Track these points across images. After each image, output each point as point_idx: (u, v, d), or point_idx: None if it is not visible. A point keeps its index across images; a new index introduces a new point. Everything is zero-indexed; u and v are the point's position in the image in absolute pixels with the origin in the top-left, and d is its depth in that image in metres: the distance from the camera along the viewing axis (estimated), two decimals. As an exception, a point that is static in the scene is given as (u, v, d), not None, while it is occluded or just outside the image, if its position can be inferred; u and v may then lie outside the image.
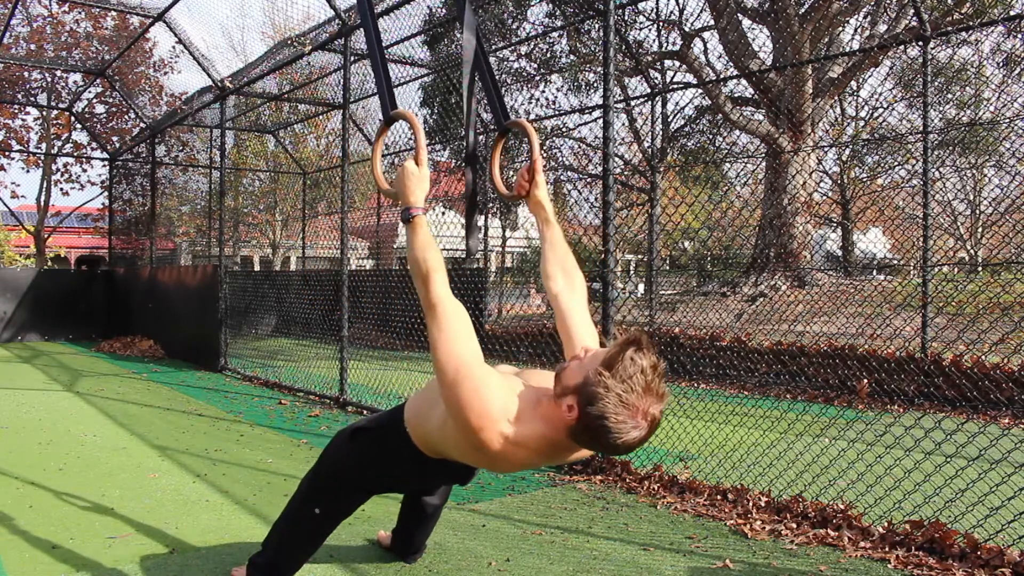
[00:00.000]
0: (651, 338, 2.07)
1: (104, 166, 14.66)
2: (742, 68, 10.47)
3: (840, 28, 10.96)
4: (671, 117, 11.32)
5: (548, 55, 12.08)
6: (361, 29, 6.29)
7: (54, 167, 18.73)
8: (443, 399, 1.87)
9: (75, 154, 18.15)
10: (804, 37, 10.11)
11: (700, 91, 10.54)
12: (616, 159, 9.10)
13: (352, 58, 6.40)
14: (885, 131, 13.83)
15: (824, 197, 15.43)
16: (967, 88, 12.05)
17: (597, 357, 1.79)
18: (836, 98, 12.33)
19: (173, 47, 20.41)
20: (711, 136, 12.70)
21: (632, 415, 1.73)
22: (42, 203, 19.09)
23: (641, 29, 11.73)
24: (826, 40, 10.87)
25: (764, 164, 11.26)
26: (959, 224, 15.11)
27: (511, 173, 10.73)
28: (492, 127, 9.66)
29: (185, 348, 9.27)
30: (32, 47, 16.38)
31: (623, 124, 11.19)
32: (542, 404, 1.88)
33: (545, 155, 12.57)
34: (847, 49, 11.01)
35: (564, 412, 1.81)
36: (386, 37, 7.02)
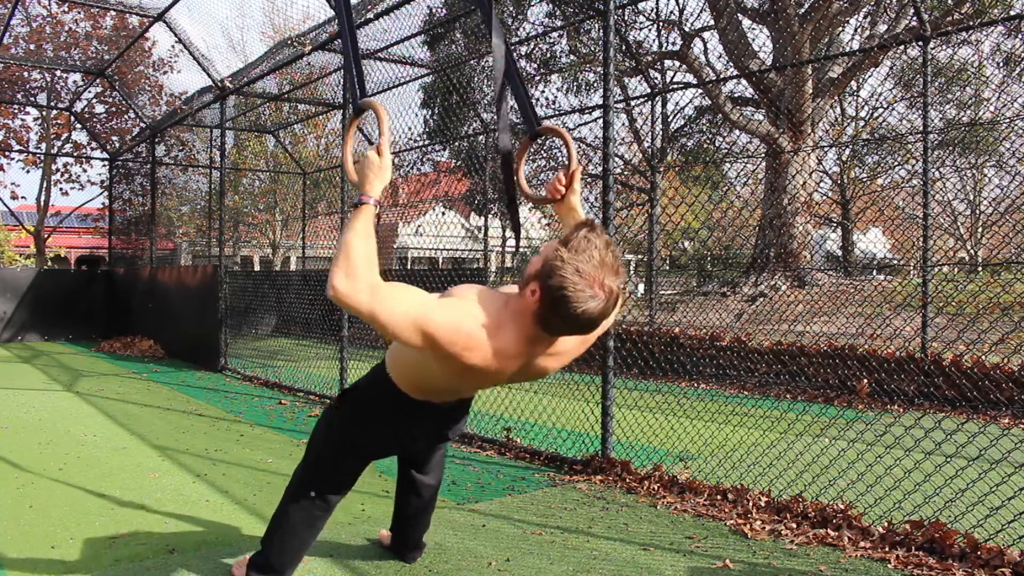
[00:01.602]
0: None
1: (104, 166, 14.67)
2: (742, 68, 10.47)
3: (840, 28, 10.97)
4: (671, 117, 11.32)
5: (548, 55, 12.08)
6: (361, 29, 6.29)
7: (54, 167, 18.73)
8: (424, 354, 1.95)
9: (75, 154, 18.15)
10: (804, 37, 10.12)
11: (700, 91, 10.54)
12: (616, 159, 9.10)
13: (352, 58, 6.39)
14: (885, 131, 13.83)
15: (824, 197, 15.43)
16: (967, 88, 12.05)
17: (554, 242, 1.92)
18: (836, 98, 12.33)
19: (172, 46, 20.43)
20: (711, 136, 12.70)
21: (589, 284, 1.84)
22: (42, 203, 19.10)
23: (641, 29, 11.73)
24: (826, 40, 10.87)
25: (764, 164, 11.27)
26: (959, 224, 15.11)
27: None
28: (493, 127, 9.66)
29: (185, 348, 9.27)
30: (31, 47, 16.39)
31: (623, 124, 11.20)
32: (510, 303, 2.00)
33: (545, 155, 12.59)
34: (847, 49, 11.01)
35: (529, 298, 1.92)
36: (386, 37, 7.02)
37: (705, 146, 12.54)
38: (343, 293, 1.82)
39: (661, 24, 11.50)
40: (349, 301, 1.83)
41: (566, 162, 2.36)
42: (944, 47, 11.59)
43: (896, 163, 13.98)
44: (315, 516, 2.43)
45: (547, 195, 2.36)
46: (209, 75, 8.15)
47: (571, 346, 2.12)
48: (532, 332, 1.97)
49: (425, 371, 2.12)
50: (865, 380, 6.24)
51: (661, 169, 9.86)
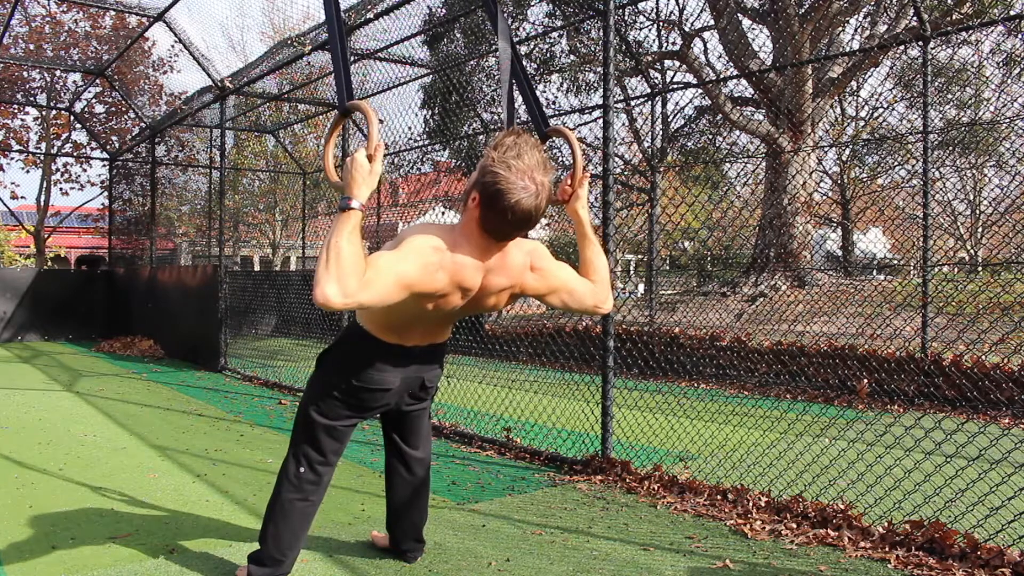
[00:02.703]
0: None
1: (104, 166, 14.66)
2: (742, 68, 10.46)
3: (840, 28, 10.96)
4: (671, 117, 11.32)
5: (548, 55, 12.08)
6: (360, 29, 6.29)
7: (54, 167, 18.73)
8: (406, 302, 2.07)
9: (75, 154, 18.15)
10: (804, 37, 10.11)
11: (700, 91, 10.54)
12: (616, 159, 9.10)
13: (352, 58, 6.40)
14: (885, 131, 13.83)
15: (824, 197, 15.43)
16: (967, 88, 12.05)
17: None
18: (836, 98, 12.33)
19: (172, 46, 20.43)
20: (711, 136, 12.69)
21: (520, 177, 2.02)
22: (42, 203, 19.09)
23: (641, 29, 11.73)
24: (826, 40, 10.87)
25: (764, 164, 11.26)
26: (959, 224, 15.11)
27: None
28: (493, 128, 9.66)
29: (185, 348, 9.27)
30: (31, 47, 16.38)
31: (623, 124, 11.20)
32: (458, 225, 2.18)
33: (545, 155, 12.55)
34: (847, 49, 11.01)
35: (471, 207, 2.10)
36: (386, 37, 7.02)
37: (705, 146, 12.54)
38: (334, 303, 1.84)
39: (661, 24, 11.50)
40: (337, 307, 1.86)
41: (571, 164, 2.37)
42: (944, 47, 11.59)
43: (896, 163, 13.98)
44: (306, 492, 2.44)
45: (556, 198, 2.39)
46: (209, 75, 8.15)
47: (518, 262, 2.24)
48: (481, 240, 2.13)
49: (397, 307, 2.19)
50: (865, 380, 6.24)
51: (661, 169, 9.86)
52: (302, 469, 2.43)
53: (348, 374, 2.38)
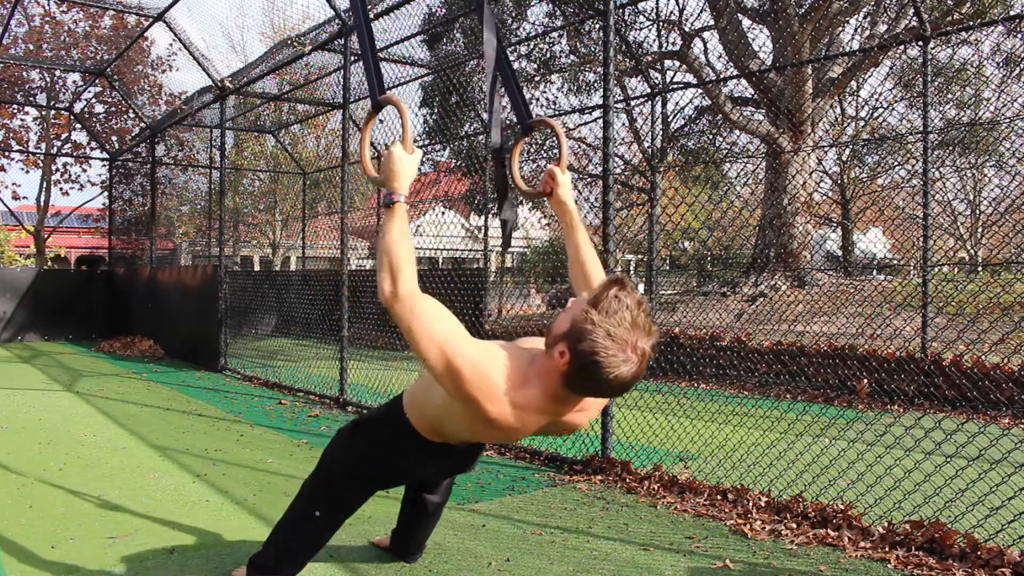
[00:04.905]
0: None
1: (104, 166, 14.66)
2: (742, 68, 10.46)
3: (840, 28, 10.96)
4: (671, 117, 11.32)
5: (548, 55, 12.07)
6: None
7: (54, 167, 18.73)
8: (442, 384, 1.88)
9: (75, 154, 18.15)
10: (804, 37, 10.11)
11: (700, 91, 10.54)
12: (616, 159, 9.10)
13: (352, 58, 6.40)
14: (885, 131, 13.83)
15: (824, 197, 15.43)
16: (967, 88, 12.05)
17: (582, 301, 1.83)
18: (836, 98, 12.33)
19: (171, 44, 20.44)
20: (711, 136, 12.69)
21: (622, 348, 1.75)
22: (42, 203, 19.09)
23: (641, 29, 11.73)
24: (826, 40, 10.87)
25: (764, 164, 11.26)
26: (959, 224, 15.11)
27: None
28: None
29: (185, 348, 9.27)
30: (31, 47, 16.37)
31: (623, 124, 11.20)
32: (536, 362, 1.91)
33: (545, 155, 12.58)
34: (847, 49, 11.01)
35: (556, 359, 1.82)
36: (386, 37, 7.02)
37: (705, 146, 12.53)
38: (390, 299, 1.81)
39: (661, 24, 11.50)
40: (396, 305, 1.81)
41: (567, 161, 2.34)
42: (944, 47, 11.59)
43: (896, 163, 13.99)
44: (321, 531, 2.42)
45: (540, 189, 2.35)
46: (209, 75, 8.15)
47: (600, 400, 2.05)
48: (559, 392, 1.89)
49: (447, 418, 2.07)
50: (865, 380, 6.24)
51: (661, 169, 9.86)
52: (318, 513, 2.39)
53: (385, 461, 2.32)
